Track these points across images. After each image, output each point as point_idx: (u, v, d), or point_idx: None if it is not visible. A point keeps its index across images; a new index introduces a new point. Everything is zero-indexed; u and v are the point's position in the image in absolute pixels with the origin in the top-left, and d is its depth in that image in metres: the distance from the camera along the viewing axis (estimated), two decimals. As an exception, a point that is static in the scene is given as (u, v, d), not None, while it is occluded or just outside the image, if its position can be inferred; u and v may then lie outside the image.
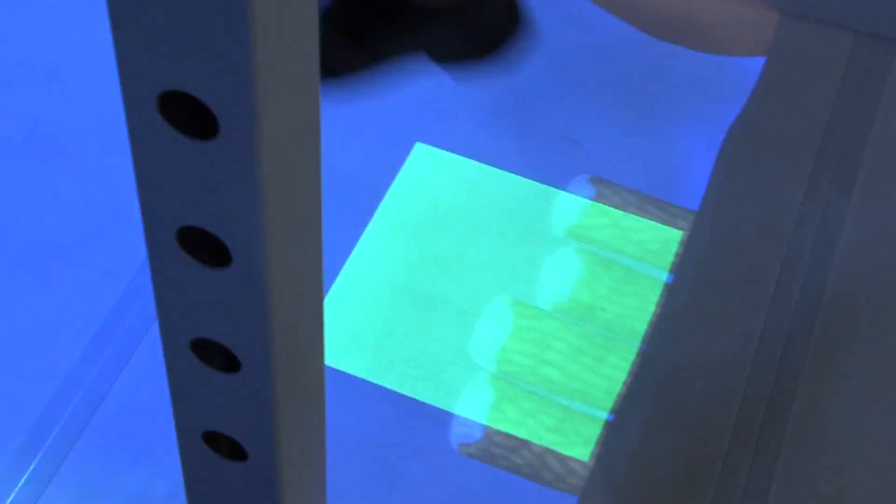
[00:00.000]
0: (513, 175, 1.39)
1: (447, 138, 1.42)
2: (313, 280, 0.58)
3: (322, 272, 0.58)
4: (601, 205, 1.38)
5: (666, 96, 1.45)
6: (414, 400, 1.23)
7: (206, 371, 0.57)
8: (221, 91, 0.43)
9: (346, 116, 1.45)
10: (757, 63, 1.45)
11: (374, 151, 1.42)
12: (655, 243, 1.35)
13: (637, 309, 1.30)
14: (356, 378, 1.25)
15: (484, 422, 1.20)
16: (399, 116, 1.45)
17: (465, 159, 1.40)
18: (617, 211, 1.37)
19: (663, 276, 1.32)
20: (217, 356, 0.56)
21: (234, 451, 0.61)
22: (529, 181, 1.39)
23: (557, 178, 1.39)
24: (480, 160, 1.41)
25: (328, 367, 1.20)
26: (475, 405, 1.23)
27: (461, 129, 1.43)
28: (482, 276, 1.32)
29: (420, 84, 1.45)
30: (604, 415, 1.22)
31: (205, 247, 0.50)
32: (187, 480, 0.65)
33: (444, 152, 1.41)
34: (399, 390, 1.24)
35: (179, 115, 0.45)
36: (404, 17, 1.22)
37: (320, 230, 0.55)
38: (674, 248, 1.34)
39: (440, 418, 1.22)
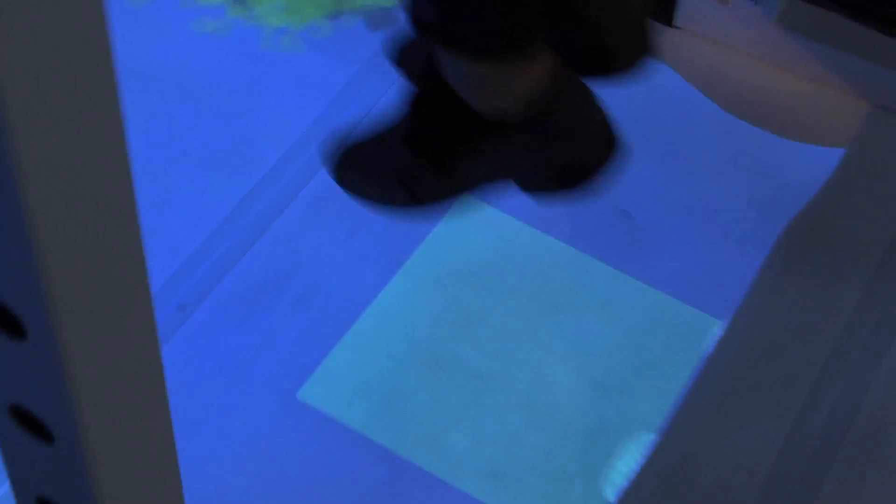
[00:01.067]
0: (554, 240, 1.37)
1: (497, 195, 1.39)
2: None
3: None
4: (638, 282, 1.36)
5: (732, 179, 1.44)
6: (409, 462, 1.23)
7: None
8: (23, 300, 0.48)
9: None
10: (837, 155, 1.42)
11: None
12: (690, 328, 1.32)
13: (658, 395, 1.28)
14: (353, 431, 1.25)
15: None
16: None
17: (509, 217, 1.40)
18: (654, 291, 1.35)
19: (692, 364, 1.28)
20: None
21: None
22: (569, 248, 1.38)
23: (602, 249, 1.37)
24: (525, 221, 1.40)
25: (326, 416, 1.26)
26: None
27: (512, 186, 1.39)
28: (502, 340, 1.32)
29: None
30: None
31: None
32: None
33: (489, 207, 1.40)
34: (395, 450, 1.23)
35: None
36: (488, 138, 1.19)
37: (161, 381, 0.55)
38: (709, 335, 1.31)
39: (431, 485, 1.22)
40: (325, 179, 1.39)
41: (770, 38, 1.49)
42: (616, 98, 1.44)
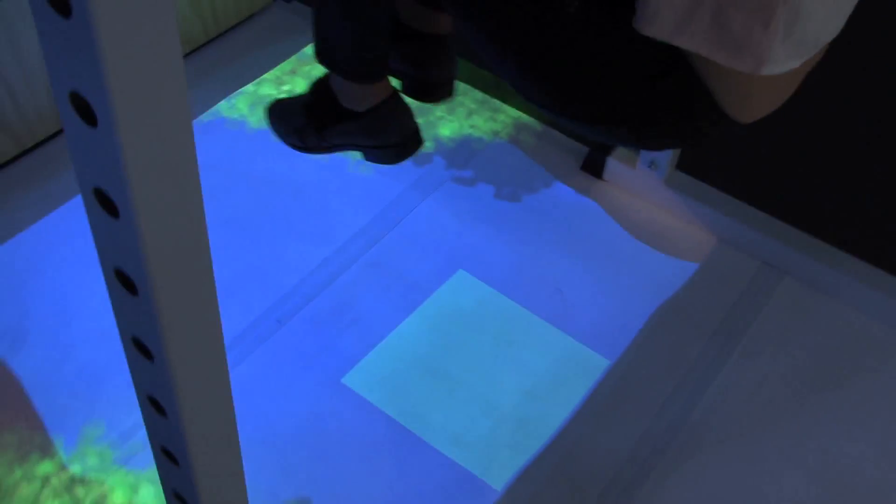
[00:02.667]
0: (512, 301, 1.39)
1: (481, 270, 1.43)
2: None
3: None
4: (560, 332, 1.36)
5: (626, 273, 1.44)
6: (406, 428, 1.25)
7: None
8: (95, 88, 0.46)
9: (416, 239, 1.47)
10: (693, 267, 1.46)
11: (431, 270, 1.43)
12: (590, 363, 1.33)
13: (565, 402, 1.29)
14: (373, 405, 1.27)
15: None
16: (452, 248, 1.46)
17: (485, 284, 1.41)
18: (569, 338, 1.36)
19: (589, 385, 1.31)
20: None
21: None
22: (521, 307, 1.39)
23: (541, 310, 1.39)
24: (496, 288, 1.41)
25: (358, 396, 1.28)
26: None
27: (492, 267, 1.44)
28: (472, 361, 1.33)
29: (472, 235, 1.47)
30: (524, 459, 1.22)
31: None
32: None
33: (474, 278, 1.42)
34: (398, 420, 1.26)
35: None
36: (346, 121, 1.28)
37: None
38: (601, 368, 1.33)
39: (418, 443, 1.24)
40: (376, 251, 1.44)
41: (659, 191, 1.50)
42: (562, 221, 1.46)
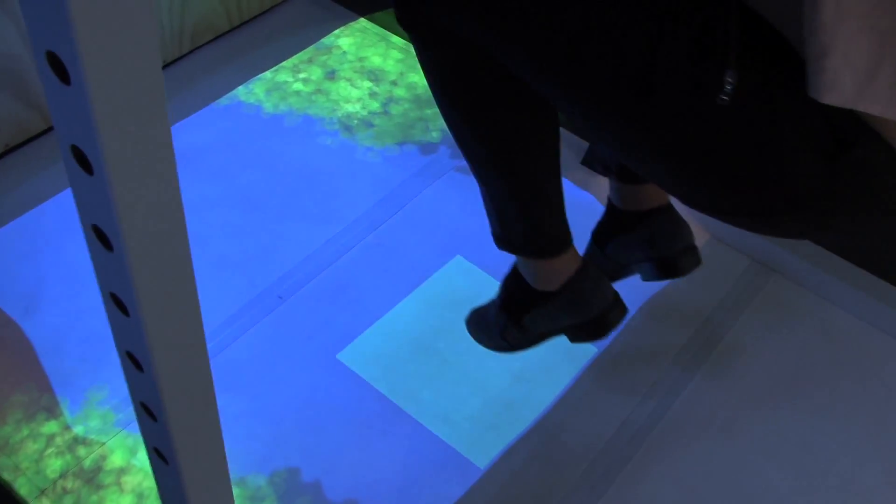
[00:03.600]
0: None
1: (477, 257, 1.43)
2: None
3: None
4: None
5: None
6: (396, 405, 1.25)
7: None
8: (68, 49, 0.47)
9: (417, 224, 1.46)
10: None
11: (430, 254, 1.43)
12: (580, 350, 1.32)
13: (552, 386, 1.29)
14: (366, 381, 1.27)
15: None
16: (451, 235, 1.45)
17: (480, 270, 1.40)
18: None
19: (574, 374, 1.30)
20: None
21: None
22: None
23: None
24: (489, 273, 1.40)
25: (351, 371, 1.27)
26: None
27: (488, 254, 1.41)
28: (462, 341, 1.30)
29: (471, 223, 1.46)
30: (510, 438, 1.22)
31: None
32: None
33: (472, 265, 1.41)
34: (389, 396, 1.26)
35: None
36: (543, 304, 1.14)
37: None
38: (587, 358, 1.33)
39: (406, 420, 1.24)
40: (378, 234, 1.43)
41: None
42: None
